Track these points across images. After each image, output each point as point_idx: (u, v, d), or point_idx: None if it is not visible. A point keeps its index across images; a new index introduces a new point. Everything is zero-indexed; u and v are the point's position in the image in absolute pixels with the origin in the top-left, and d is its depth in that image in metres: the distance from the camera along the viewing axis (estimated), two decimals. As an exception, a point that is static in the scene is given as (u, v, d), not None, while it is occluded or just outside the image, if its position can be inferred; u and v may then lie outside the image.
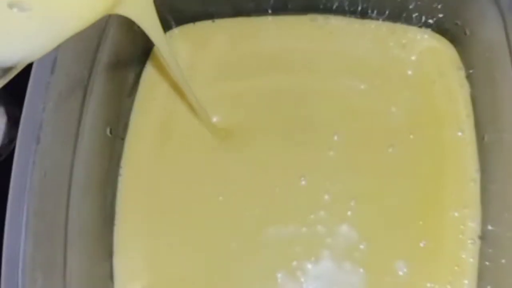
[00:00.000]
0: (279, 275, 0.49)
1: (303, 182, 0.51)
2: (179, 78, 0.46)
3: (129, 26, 0.50)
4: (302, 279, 0.49)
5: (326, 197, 0.50)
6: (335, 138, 0.51)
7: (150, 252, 0.51)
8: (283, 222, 0.50)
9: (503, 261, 0.45)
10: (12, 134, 0.58)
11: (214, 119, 0.54)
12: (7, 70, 0.29)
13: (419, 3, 0.53)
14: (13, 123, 0.58)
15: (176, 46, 0.57)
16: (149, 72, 0.56)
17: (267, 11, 0.56)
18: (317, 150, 0.51)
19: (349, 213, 0.49)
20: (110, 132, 0.51)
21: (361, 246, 0.49)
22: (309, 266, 0.49)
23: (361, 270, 0.48)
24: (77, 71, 0.44)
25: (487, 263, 0.47)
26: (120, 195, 0.52)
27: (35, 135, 0.39)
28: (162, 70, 0.56)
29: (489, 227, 0.48)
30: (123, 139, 0.53)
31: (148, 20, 0.38)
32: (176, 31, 0.57)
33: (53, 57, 0.40)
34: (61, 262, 0.42)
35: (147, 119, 0.55)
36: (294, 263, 0.49)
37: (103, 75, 0.48)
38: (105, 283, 0.49)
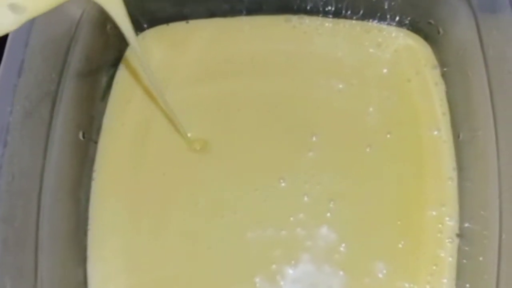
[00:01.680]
0: (257, 279, 0.48)
1: (282, 184, 0.50)
2: (153, 84, 0.46)
3: (102, 28, 0.50)
4: (282, 283, 0.48)
5: (306, 199, 0.50)
6: (314, 139, 0.51)
7: (125, 256, 0.50)
8: (262, 225, 0.49)
9: (480, 258, 0.45)
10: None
11: (190, 122, 0.53)
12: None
13: (392, 3, 0.53)
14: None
15: (150, 48, 0.56)
16: (122, 75, 0.55)
17: (242, 12, 0.55)
18: (296, 151, 0.51)
19: (328, 214, 0.49)
20: (83, 136, 0.50)
21: (341, 248, 0.48)
22: (289, 269, 0.48)
23: (341, 272, 0.48)
24: (46, 74, 0.44)
25: (464, 261, 0.47)
26: (94, 199, 0.51)
27: (2, 139, 0.38)
28: (136, 72, 0.55)
29: (466, 225, 0.48)
30: (96, 142, 0.52)
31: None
32: (149, 32, 0.56)
33: (20, 60, 0.40)
34: (31, 268, 0.41)
35: (121, 123, 0.54)
36: (273, 266, 0.48)
37: (74, 78, 0.47)
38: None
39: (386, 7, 0.53)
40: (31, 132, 0.41)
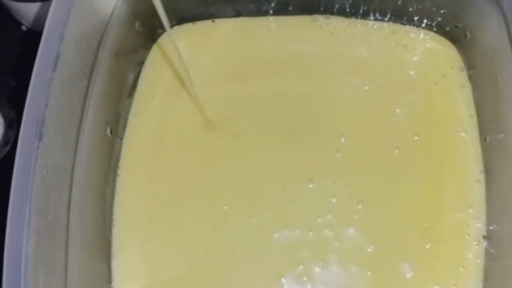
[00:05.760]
0: (284, 280, 0.48)
1: (310, 186, 0.50)
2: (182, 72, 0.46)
3: (130, 26, 0.50)
4: (309, 284, 0.48)
5: (334, 200, 0.49)
6: (342, 139, 0.51)
7: (149, 253, 0.50)
8: (290, 226, 0.49)
9: (507, 261, 0.45)
10: (7, 135, 0.57)
11: (215, 121, 0.53)
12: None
13: (419, 6, 0.53)
14: (9, 124, 0.57)
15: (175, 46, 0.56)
16: (147, 72, 0.55)
17: (268, 13, 0.56)
18: (324, 152, 0.51)
19: (356, 216, 0.49)
20: (111, 132, 0.50)
21: (369, 249, 0.48)
22: (316, 270, 0.48)
23: (369, 273, 0.47)
24: (79, 69, 0.44)
25: (491, 263, 0.47)
26: (118, 195, 0.51)
27: (38, 132, 0.38)
28: (160, 70, 0.56)
29: (493, 227, 0.48)
30: (122, 139, 0.52)
31: None
32: (175, 30, 0.56)
33: (56, 54, 0.40)
34: (62, 261, 0.41)
35: (145, 120, 0.54)
36: (301, 267, 0.48)
37: (104, 74, 0.47)
38: (104, 284, 0.48)
39: (413, 10, 0.53)
40: (64, 126, 0.41)
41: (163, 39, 0.56)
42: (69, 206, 0.42)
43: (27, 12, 0.59)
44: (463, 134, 0.51)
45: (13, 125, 0.58)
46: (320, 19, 0.55)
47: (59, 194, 0.41)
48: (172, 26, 0.56)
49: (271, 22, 0.56)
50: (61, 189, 0.41)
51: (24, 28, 0.62)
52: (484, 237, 0.48)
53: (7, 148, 0.57)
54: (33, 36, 0.62)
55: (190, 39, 0.56)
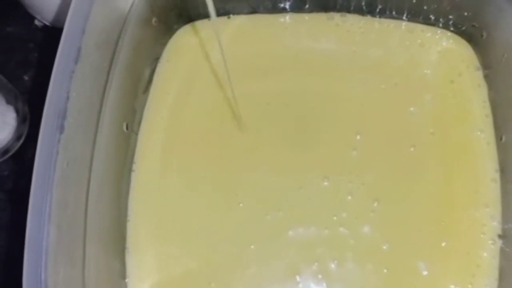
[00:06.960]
0: (299, 278, 0.48)
1: (326, 183, 0.50)
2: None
3: (147, 21, 0.50)
4: (324, 281, 0.48)
5: (349, 198, 0.49)
6: (358, 137, 0.51)
7: (163, 250, 0.50)
8: (305, 224, 0.49)
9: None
10: (20, 130, 0.57)
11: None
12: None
13: (436, 5, 0.53)
14: (22, 119, 0.57)
15: (189, 42, 0.56)
16: (163, 68, 0.55)
17: (285, 10, 0.56)
18: (340, 150, 0.51)
19: (372, 214, 0.49)
20: (127, 127, 0.50)
21: (384, 247, 0.48)
22: (332, 267, 0.48)
23: (385, 271, 0.47)
24: (99, 63, 0.44)
25: (506, 262, 0.47)
26: (133, 191, 0.51)
27: (59, 124, 0.38)
28: (175, 66, 0.55)
29: (508, 226, 0.48)
30: (137, 134, 0.52)
31: None
32: (190, 26, 0.56)
33: (77, 47, 0.40)
34: (80, 256, 0.41)
35: (160, 115, 0.54)
36: (316, 265, 0.48)
37: (122, 69, 0.47)
38: (119, 278, 0.48)
39: (430, 9, 0.53)
40: (83, 120, 0.41)
41: (178, 35, 0.56)
42: (87, 201, 0.42)
43: (41, 6, 0.59)
44: (478, 133, 0.51)
45: (26, 119, 0.58)
46: (336, 17, 0.55)
47: (78, 188, 0.41)
48: (186, 22, 0.56)
49: (287, 20, 0.56)
50: (80, 183, 0.41)
51: (37, 22, 0.62)
52: (500, 236, 0.48)
53: (20, 142, 0.57)
54: (47, 31, 0.62)
55: (205, 35, 0.56)
